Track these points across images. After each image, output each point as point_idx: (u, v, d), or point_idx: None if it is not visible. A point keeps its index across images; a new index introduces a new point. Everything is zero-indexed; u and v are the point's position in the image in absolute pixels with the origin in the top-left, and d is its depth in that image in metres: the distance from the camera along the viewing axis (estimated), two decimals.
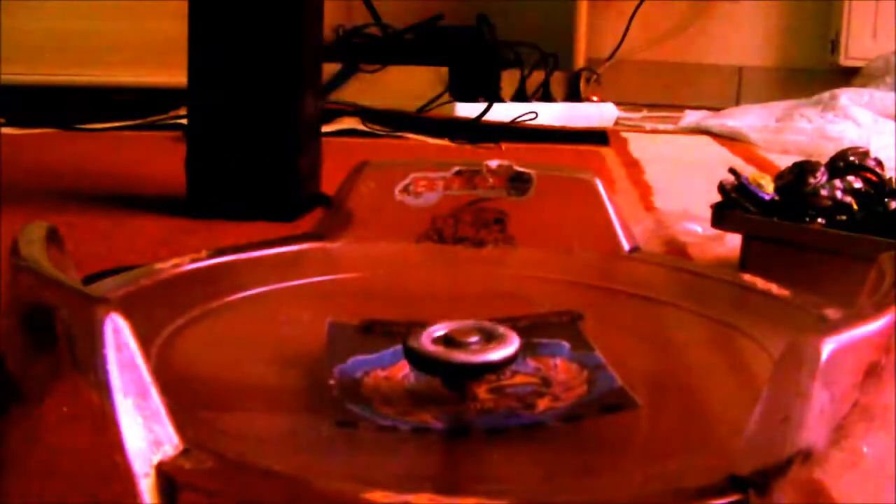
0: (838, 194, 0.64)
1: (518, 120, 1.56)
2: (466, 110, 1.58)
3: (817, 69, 2.26)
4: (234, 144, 0.88)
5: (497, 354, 0.38)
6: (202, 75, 0.88)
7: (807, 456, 0.27)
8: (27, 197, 0.92)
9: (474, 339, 0.38)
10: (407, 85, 1.73)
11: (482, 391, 0.40)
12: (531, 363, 0.43)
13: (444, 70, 1.74)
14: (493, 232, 0.55)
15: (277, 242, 0.54)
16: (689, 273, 0.53)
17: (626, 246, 0.55)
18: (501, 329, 0.39)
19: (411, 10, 1.87)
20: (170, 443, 0.27)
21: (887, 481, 0.29)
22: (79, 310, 0.28)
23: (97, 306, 0.28)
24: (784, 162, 0.89)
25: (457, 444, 0.35)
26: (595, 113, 1.75)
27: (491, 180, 0.55)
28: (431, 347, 0.38)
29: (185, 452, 0.27)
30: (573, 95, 1.85)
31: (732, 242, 0.74)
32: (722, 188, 0.68)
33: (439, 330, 0.39)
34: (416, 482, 0.33)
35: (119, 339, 0.27)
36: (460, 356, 0.37)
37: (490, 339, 0.38)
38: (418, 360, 0.38)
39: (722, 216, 0.67)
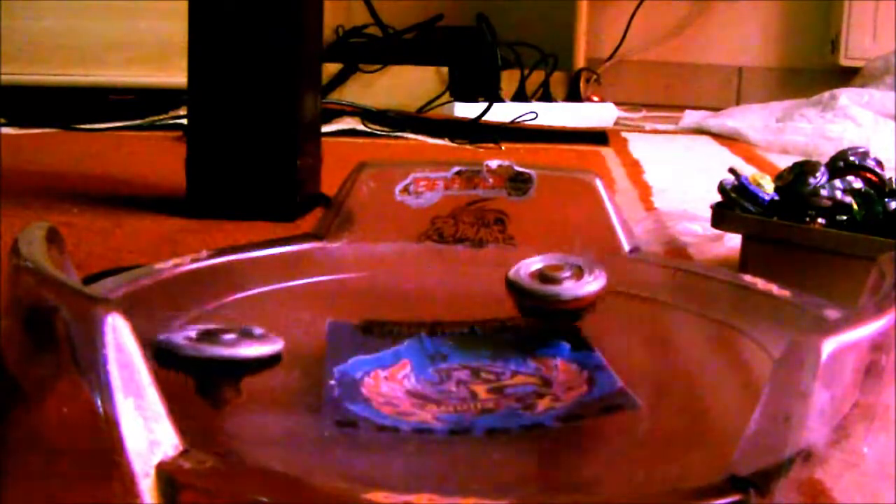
0: (838, 194, 0.64)
1: (518, 120, 1.56)
2: (466, 110, 1.58)
3: (817, 69, 2.26)
4: (234, 144, 0.88)
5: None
6: (202, 75, 0.88)
7: (807, 456, 0.27)
8: (27, 197, 0.92)
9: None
10: (407, 85, 1.73)
11: (482, 391, 0.40)
12: (531, 363, 0.43)
13: (444, 70, 1.74)
14: (493, 232, 0.55)
15: (277, 242, 0.54)
16: (689, 273, 0.53)
17: (626, 246, 0.55)
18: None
19: (411, 10, 1.87)
20: (170, 443, 0.27)
21: (887, 481, 0.29)
22: (79, 310, 0.28)
23: (97, 306, 0.28)
24: (784, 162, 0.89)
25: (457, 444, 0.35)
26: (595, 113, 1.75)
27: (491, 180, 0.55)
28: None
29: (185, 452, 0.27)
30: (573, 95, 1.85)
31: (732, 242, 0.74)
32: (722, 188, 0.68)
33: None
34: (416, 482, 0.33)
35: (119, 339, 0.27)
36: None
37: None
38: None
39: (722, 216, 0.67)
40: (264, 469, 0.27)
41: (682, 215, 0.90)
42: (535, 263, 0.44)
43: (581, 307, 0.44)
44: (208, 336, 0.34)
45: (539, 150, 1.40)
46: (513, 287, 0.44)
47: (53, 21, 1.59)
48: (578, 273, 0.44)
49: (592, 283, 0.43)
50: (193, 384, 0.34)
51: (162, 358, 0.34)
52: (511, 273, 0.44)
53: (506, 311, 0.48)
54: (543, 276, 0.44)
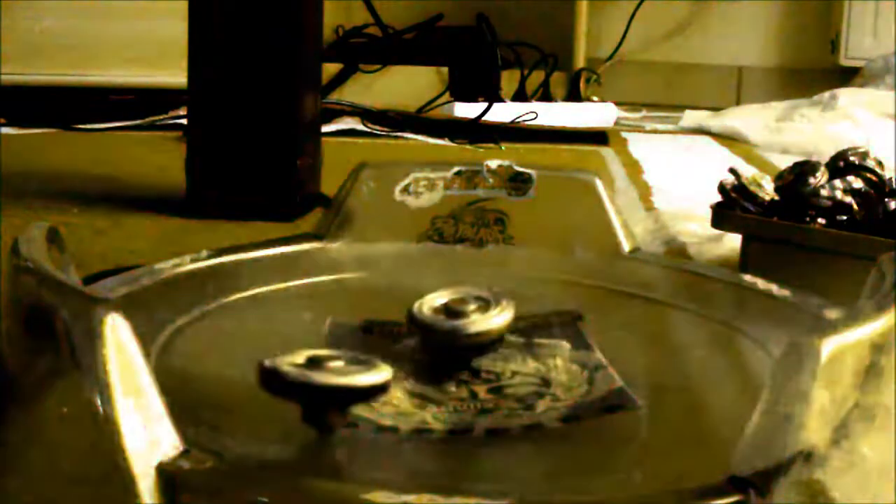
0: (838, 194, 0.64)
1: (518, 120, 1.56)
2: (466, 110, 1.58)
3: (817, 69, 2.26)
4: (235, 145, 0.88)
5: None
6: (202, 75, 0.88)
7: (807, 456, 0.27)
8: (27, 197, 0.92)
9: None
10: (407, 85, 1.73)
11: (482, 391, 0.40)
12: (531, 363, 0.43)
13: (444, 70, 1.74)
14: (493, 232, 0.55)
15: (277, 242, 0.54)
16: (689, 273, 0.53)
17: (626, 246, 0.55)
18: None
19: (411, 10, 1.87)
20: (170, 443, 0.27)
21: (887, 481, 0.29)
22: (79, 310, 0.28)
23: (97, 306, 0.28)
24: (784, 162, 0.89)
25: (457, 444, 0.35)
26: (595, 113, 1.75)
27: (491, 180, 0.55)
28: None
29: (185, 452, 0.27)
30: (573, 95, 1.85)
31: (732, 242, 0.74)
32: (722, 188, 0.68)
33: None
34: (416, 482, 0.33)
35: (119, 339, 0.27)
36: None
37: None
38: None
39: (722, 216, 0.67)
40: (264, 469, 0.27)
41: (682, 215, 0.90)
42: (439, 298, 0.42)
43: (486, 341, 0.41)
44: (315, 363, 0.33)
45: (539, 150, 1.40)
46: (415, 322, 0.41)
47: (53, 21, 1.59)
48: (484, 307, 0.41)
49: (497, 318, 0.41)
50: (300, 411, 0.34)
51: (269, 383, 0.33)
52: (414, 307, 0.42)
53: None
54: (448, 309, 0.41)
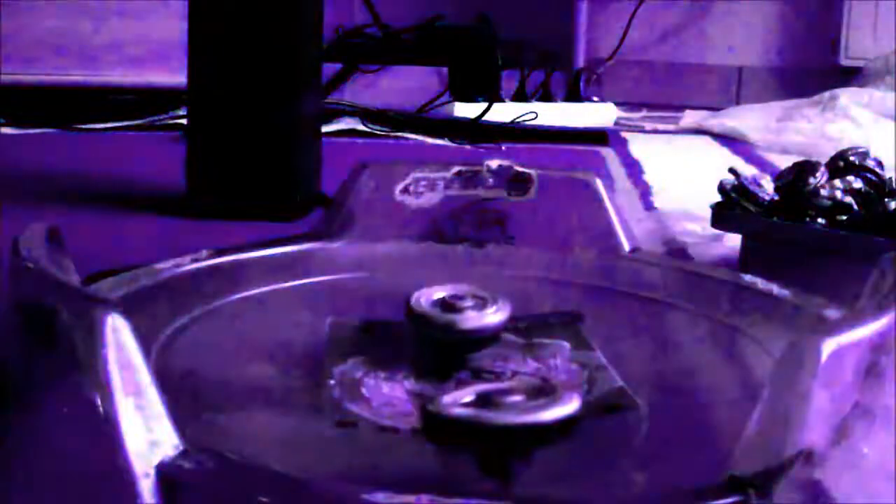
0: (838, 194, 0.64)
1: (518, 120, 1.56)
2: (466, 110, 1.58)
3: (817, 69, 2.26)
4: (234, 145, 0.88)
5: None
6: (202, 75, 0.88)
7: (807, 456, 0.27)
8: (27, 197, 0.92)
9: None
10: (407, 85, 1.73)
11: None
12: (531, 363, 0.43)
13: (444, 70, 1.74)
14: (493, 232, 0.55)
15: (277, 242, 0.54)
16: (689, 273, 0.53)
17: (626, 246, 0.55)
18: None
19: (411, 10, 1.87)
20: (170, 443, 0.27)
21: (887, 481, 0.29)
22: (79, 310, 0.28)
23: (97, 306, 0.28)
24: (784, 162, 0.89)
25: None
26: (595, 113, 1.75)
27: (491, 180, 0.55)
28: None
29: (185, 452, 0.27)
30: (573, 95, 1.85)
31: (732, 242, 0.74)
32: (722, 188, 0.68)
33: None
34: (416, 482, 0.33)
35: (119, 339, 0.27)
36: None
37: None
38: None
39: (722, 216, 0.67)
40: (264, 469, 0.27)
41: (682, 215, 0.91)
42: (438, 292, 0.42)
43: (480, 338, 0.41)
44: (488, 399, 0.29)
45: (539, 150, 1.40)
46: (411, 315, 0.41)
47: (53, 21, 1.59)
48: (482, 304, 0.42)
49: (493, 315, 0.41)
50: (476, 460, 0.29)
51: (435, 431, 0.30)
52: (412, 300, 0.42)
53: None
54: (445, 304, 0.42)
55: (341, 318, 0.46)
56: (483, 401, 0.30)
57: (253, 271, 0.51)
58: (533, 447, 0.29)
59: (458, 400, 0.30)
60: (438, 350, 0.42)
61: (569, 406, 0.30)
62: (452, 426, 0.29)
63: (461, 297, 0.42)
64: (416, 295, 0.42)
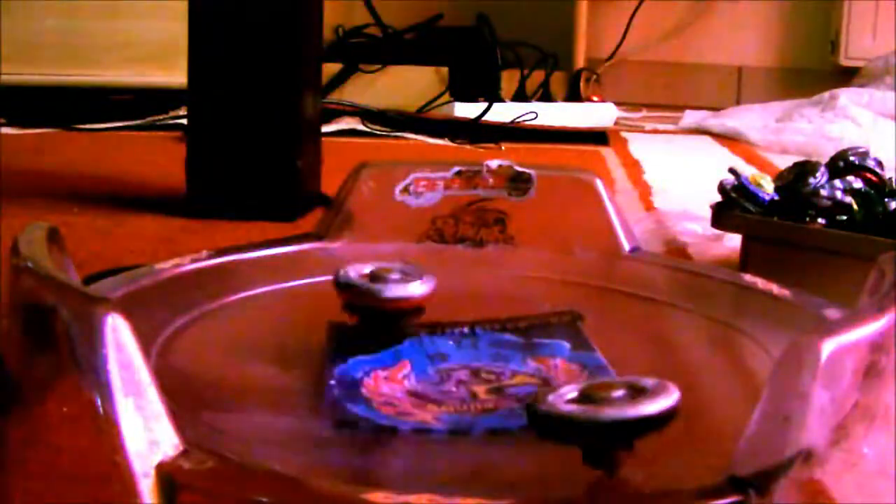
0: (838, 194, 0.64)
1: (518, 120, 1.56)
2: (466, 110, 1.58)
3: (817, 69, 2.26)
4: (234, 145, 0.88)
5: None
6: (202, 75, 0.88)
7: (807, 456, 0.27)
8: (27, 197, 0.92)
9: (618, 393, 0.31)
10: (407, 85, 1.73)
11: (482, 391, 0.40)
12: (531, 363, 0.43)
13: (444, 70, 1.74)
14: (493, 232, 0.55)
15: (277, 242, 0.54)
16: (689, 273, 0.53)
17: (626, 246, 0.55)
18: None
19: (411, 10, 1.87)
20: (170, 443, 0.27)
21: (887, 481, 0.29)
22: (79, 310, 0.28)
23: (97, 306, 0.28)
24: (784, 162, 0.89)
25: (457, 444, 0.35)
26: (595, 113, 1.75)
27: (491, 180, 0.55)
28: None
29: (185, 452, 0.27)
30: (573, 95, 1.85)
31: (732, 242, 0.74)
32: (722, 188, 0.68)
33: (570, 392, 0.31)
34: (416, 482, 0.33)
35: (119, 339, 0.27)
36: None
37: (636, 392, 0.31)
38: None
39: (722, 216, 0.67)
40: (264, 469, 0.27)
41: (682, 215, 0.90)
42: (367, 266, 0.46)
43: (404, 309, 0.45)
44: (592, 396, 0.30)
45: (539, 150, 1.40)
46: (339, 283, 0.45)
47: (53, 21, 1.59)
48: (407, 277, 0.45)
49: (418, 287, 0.45)
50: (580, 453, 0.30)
51: (544, 427, 0.30)
52: (341, 270, 0.45)
53: (506, 311, 0.48)
54: (373, 275, 0.45)
55: (341, 319, 0.46)
56: (585, 397, 0.31)
57: (253, 271, 0.51)
58: (636, 439, 0.30)
59: (564, 397, 0.31)
60: (364, 318, 0.45)
61: (670, 398, 0.30)
62: (561, 422, 0.30)
63: (389, 270, 0.45)
64: (346, 266, 0.45)
